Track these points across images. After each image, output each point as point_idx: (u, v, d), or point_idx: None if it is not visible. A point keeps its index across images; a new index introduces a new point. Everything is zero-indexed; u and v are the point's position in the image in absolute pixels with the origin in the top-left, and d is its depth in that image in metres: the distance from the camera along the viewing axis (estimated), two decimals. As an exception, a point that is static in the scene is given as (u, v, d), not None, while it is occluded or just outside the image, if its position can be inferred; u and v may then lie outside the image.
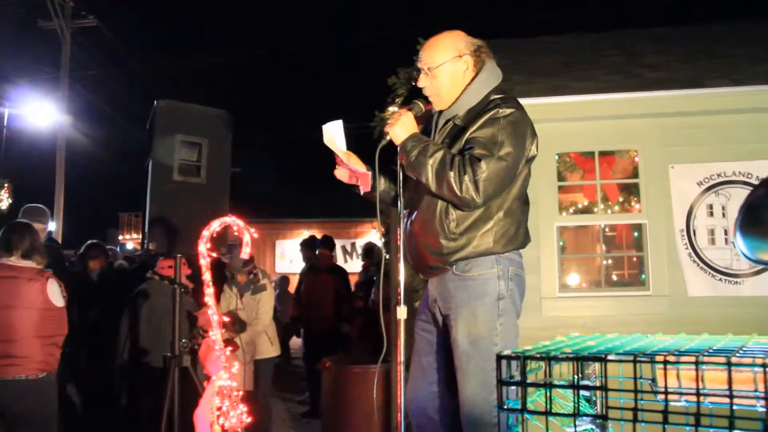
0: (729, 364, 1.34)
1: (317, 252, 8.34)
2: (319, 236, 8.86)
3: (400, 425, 2.77)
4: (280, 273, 17.54)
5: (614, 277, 6.33)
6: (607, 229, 6.14)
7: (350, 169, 3.10)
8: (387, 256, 5.09)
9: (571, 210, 5.90)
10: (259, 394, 5.96)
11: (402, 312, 2.78)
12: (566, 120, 5.48)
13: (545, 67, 6.19)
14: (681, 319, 5.02)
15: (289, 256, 20.74)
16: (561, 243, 5.57)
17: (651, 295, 5.33)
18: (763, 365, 1.33)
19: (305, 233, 17.00)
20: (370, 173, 3.06)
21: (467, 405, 2.73)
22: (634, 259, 5.87)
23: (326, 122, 3.03)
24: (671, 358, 1.41)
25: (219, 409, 3.26)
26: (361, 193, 3.16)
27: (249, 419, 3.36)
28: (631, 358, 1.41)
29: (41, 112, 16.29)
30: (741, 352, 1.50)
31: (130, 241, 23.48)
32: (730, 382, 1.34)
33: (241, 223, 3.42)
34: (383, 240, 4.20)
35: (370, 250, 8.93)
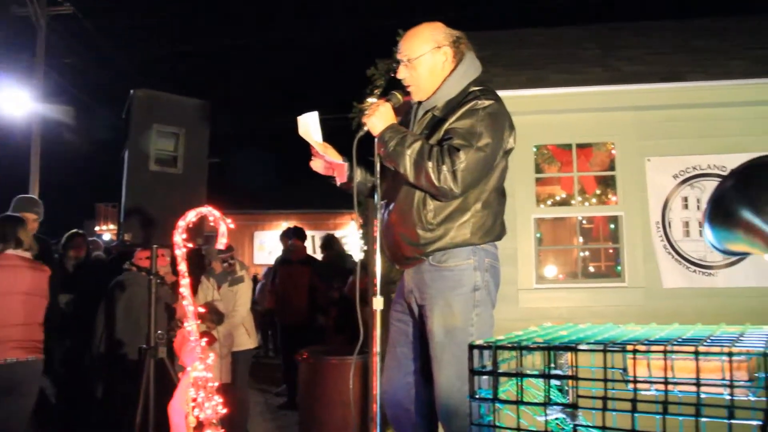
0: (696, 353, 1.36)
1: (289, 243, 8.31)
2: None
3: (375, 416, 2.77)
4: (259, 264, 17.49)
5: (591, 269, 6.39)
6: (584, 221, 6.19)
7: (326, 160, 3.09)
8: (365, 248, 5.09)
9: (549, 202, 5.94)
10: (236, 386, 5.94)
11: (378, 303, 2.78)
12: (544, 112, 5.51)
13: (524, 59, 6.21)
14: (656, 310, 5.08)
15: (268, 248, 20.70)
16: (538, 235, 5.61)
17: (627, 287, 5.38)
18: (729, 354, 1.35)
19: (284, 225, 16.95)
20: (346, 164, 3.06)
21: (442, 395, 2.75)
22: (610, 250, 5.93)
23: (303, 113, 3.02)
24: (641, 348, 1.43)
25: (194, 400, 3.25)
26: (338, 184, 3.16)
27: (224, 410, 3.35)
28: (601, 347, 1.42)
29: (15, 101, 16.05)
30: (708, 341, 1.53)
31: (107, 232, 23.25)
32: (697, 370, 1.36)
33: (217, 213, 3.40)
34: (361, 231, 4.19)
35: (328, 242, 8.92)
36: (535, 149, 5.62)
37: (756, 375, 1.54)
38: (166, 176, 4.01)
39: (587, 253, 6.25)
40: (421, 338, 2.95)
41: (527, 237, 5.46)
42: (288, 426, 6.93)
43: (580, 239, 6.03)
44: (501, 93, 3.01)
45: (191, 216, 3.40)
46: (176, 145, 4.06)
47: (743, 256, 1.55)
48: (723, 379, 1.37)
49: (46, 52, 16.26)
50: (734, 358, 1.42)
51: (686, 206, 5.46)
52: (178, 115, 4.10)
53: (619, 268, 5.54)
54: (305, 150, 3.12)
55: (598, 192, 5.84)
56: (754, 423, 1.32)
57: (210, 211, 3.41)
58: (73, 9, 16.06)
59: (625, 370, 1.63)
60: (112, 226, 23.19)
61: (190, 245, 3.44)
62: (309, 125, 3.00)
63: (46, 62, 16.31)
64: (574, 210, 5.76)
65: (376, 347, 2.79)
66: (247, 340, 6.14)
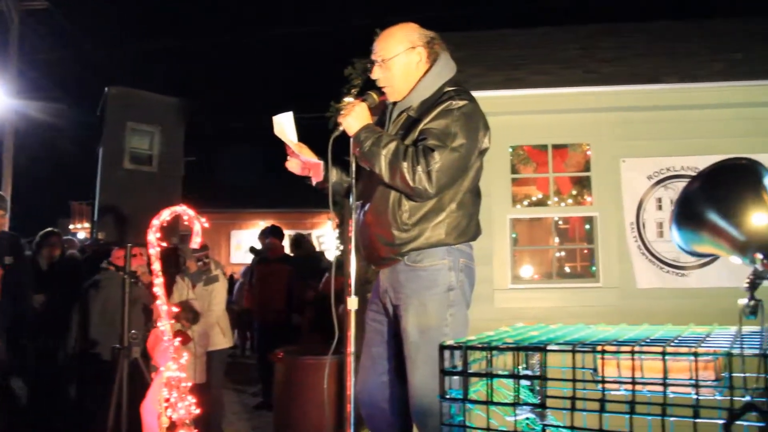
0: (663, 353, 1.38)
1: (267, 242, 8.28)
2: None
3: (349, 416, 2.77)
4: (236, 263, 17.39)
5: (567, 269, 6.44)
6: (560, 222, 6.24)
7: (302, 160, 3.08)
8: (341, 247, 5.09)
9: (525, 202, 5.97)
10: (211, 386, 5.90)
11: (353, 303, 2.79)
12: (521, 113, 5.54)
13: (502, 60, 6.24)
14: (630, 310, 5.13)
15: (244, 247, 20.56)
16: (514, 235, 5.64)
17: (601, 287, 5.43)
18: (695, 354, 1.36)
19: (261, 224, 16.87)
20: (321, 164, 3.05)
21: (416, 394, 2.75)
22: (585, 251, 5.98)
23: (279, 113, 3.01)
24: (609, 348, 1.44)
25: (167, 400, 3.23)
26: (314, 184, 3.15)
27: (198, 411, 3.33)
28: (570, 348, 1.43)
29: (-13, 97, 15.82)
30: (676, 341, 1.54)
31: (82, 230, 22.97)
32: (664, 371, 1.37)
33: (191, 212, 3.37)
34: (337, 230, 4.20)
35: (298, 242, 8.90)
36: (511, 150, 5.65)
37: (723, 375, 1.56)
38: (141, 174, 3.97)
39: (563, 253, 6.30)
40: (396, 338, 2.96)
41: (503, 237, 5.49)
42: (263, 426, 6.90)
43: (556, 239, 6.07)
44: (478, 93, 3.02)
45: (165, 215, 3.37)
46: (151, 143, 4.03)
47: (709, 257, 1.57)
48: (690, 379, 1.39)
49: (19, 47, 16.04)
50: (701, 358, 1.44)
51: (660, 207, 5.52)
52: (154, 113, 4.07)
53: (594, 268, 5.59)
54: (282, 149, 3.11)
55: (573, 192, 5.89)
56: (720, 422, 1.34)
57: (184, 210, 3.39)
58: (48, 3, 15.86)
59: (595, 370, 1.64)
60: (87, 224, 22.90)
61: (165, 244, 3.41)
62: (284, 125, 2.99)
63: (19, 57, 16.09)
64: (550, 210, 5.81)
65: (351, 347, 2.79)
66: (222, 339, 6.11)
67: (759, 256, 1.39)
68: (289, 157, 3.12)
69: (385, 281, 2.99)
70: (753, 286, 1.38)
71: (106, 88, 3.94)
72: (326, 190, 3.04)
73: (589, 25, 7.52)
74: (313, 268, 8.35)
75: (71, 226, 23.10)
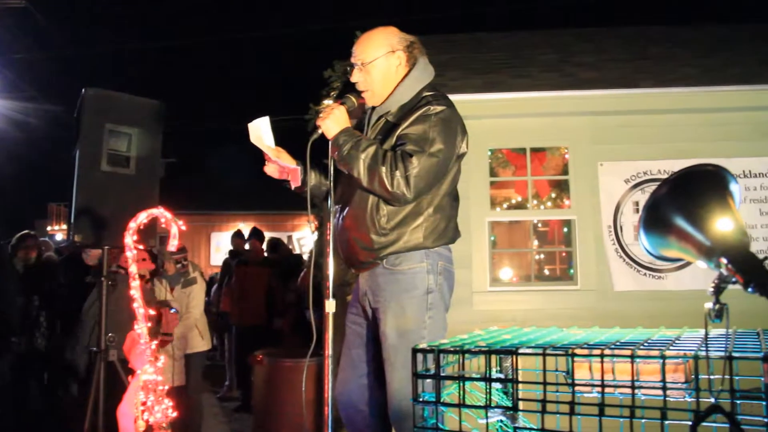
0: (632, 356, 1.40)
1: (246, 245, 8.26)
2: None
3: (327, 419, 2.78)
4: (216, 265, 17.30)
5: (546, 272, 6.48)
6: (539, 225, 6.28)
7: (279, 165, 3.08)
8: (311, 249, 5.08)
9: (504, 205, 6.01)
10: (190, 389, 5.88)
11: (330, 306, 2.79)
12: (499, 116, 5.58)
13: (481, 63, 6.27)
14: (608, 313, 5.18)
15: (224, 249, 20.45)
16: (492, 238, 5.67)
17: (579, 290, 5.48)
18: (663, 357, 1.39)
19: (241, 225, 16.80)
20: (299, 168, 3.05)
21: (394, 397, 2.76)
22: (564, 254, 6.02)
23: (257, 116, 3.00)
24: (580, 351, 1.46)
25: (143, 404, 3.21)
26: (292, 188, 3.15)
27: (174, 414, 3.32)
28: (540, 351, 1.45)
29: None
30: (645, 344, 1.57)
31: (59, 232, 22.74)
32: (632, 373, 1.39)
33: (168, 215, 3.36)
34: (315, 233, 4.20)
35: (275, 245, 8.89)
36: (489, 153, 5.68)
37: (693, 377, 1.59)
38: (118, 176, 3.96)
39: (541, 256, 6.34)
40: (375, 340, 2.96)
41: (481, 240, 5.52)
42: (242, 429, 6.87)
43: (535, 242, 6.11)
44: (457, 96, 3.04)
45: (142, 217, 3.36)
46: (129, 145, 4.01)
47: (677, 261, 1.60)
48: (660, 381, 1.41)
49: (-4, 47, 15.85)
50: (670, 360, 1.46)
51: (637, 210, 5.57)
52: (131, 114, 4.05)
53: (572, 271, 5.64)
54: (261, 152, 3.10)
55: (552, 195, 5.93)
56: (689, 423, 1.36)
57: (161, 213, 3.37)
58: (25, 2, 15.69)
59: (568, 372, 1.66)
60: (64, 226, 22.69)
61: (141, 247, 3.40)
62: (261, 130, 2.98)
63: (-4, 57, 15.90)
64: (528, 213, 5.85)
65: (328, 350, 2.79)
66: (200, 342, 6.08)
67: (723, 260, 1.42)
68: (267, 162, 3.12)
69: (364, 284, 3.00)
70: (718, 290, 1.40)
71: (83, 90, 3.91)
72: (305, 194, 3.04)
73: (566, 30, 7.58)
74: (291, 270, 8.33)
75: (48, 228, 22.88)
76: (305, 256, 9.81)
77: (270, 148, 3.01)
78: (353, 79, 3.02)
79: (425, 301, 2.85)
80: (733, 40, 6.64)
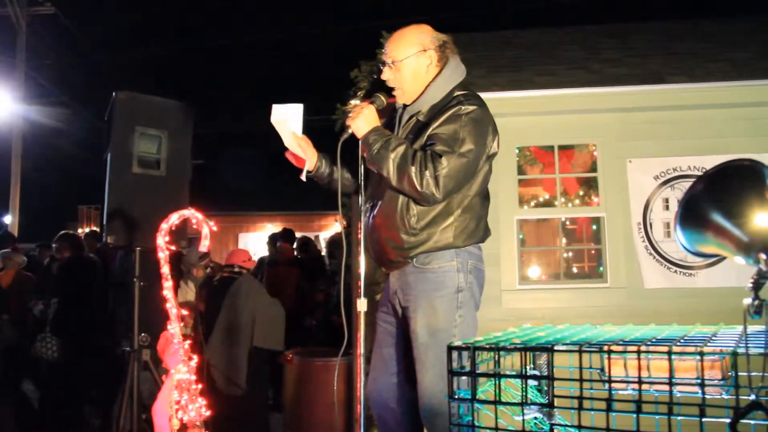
0: (669, 353, 1.39)
1: (277, 245, 8.31)
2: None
3: (359, 417, 2.80)
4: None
5: (575, 270, 6.44)
6: (567, 222, 6.24)
7: (293, 153, 3.11)
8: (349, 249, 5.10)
9: (531, 203, 5.98)
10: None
11: (362, 304, 2.81)
12: (526, 114, 5.55)
13: (506, 61, 6.25)
14: (638, 311, 5.13)
15: (252, 250, 20.59)
16: (521, 236, 5.65)
17: (609, 287, 5.43)
18: (701, 353, 1.38)
19: (269, 226, 16.90)
20: (312, 159, 3.08)
21: (425, 395, 2.77)
22: (593, 251, 5.98)
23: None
24: (616, 348, 1.46)
25: (177, 402, 3.25)
26: (304, 178, 3.16)
27: (208, 413, 3.36)
28: (576, 348, 1.45)
29: (-4, 102, 15.91)
30: (682, 341, 1.56)
31: (91, 235, 22.97)
32: (670, 370, 1.39)
33: (200, 215, 3.40)
34: (345, 232, 4.22)
35: (305, 245, 8.93)
36: (517, 151, 5.66)
37: (729, 374, 1.57)
38: (149, 178, 4.01)
39: (570, 254, 6.30)
40: (405, 339, 2.97)
41: (510, 238, 5.50)
42: (273, 427, 6.91)
43: (563, 240, 6.07)
44: (483, 95, 3.03)
45: (174, 218, 3.40)
46: (159, 147, 4.06)
47: (714, 257, 1.58)
48: (696, 378, 1.40)
49: (27, 52, 16.13)
50: (707, 357, 1.45)
51: (667, 207, 5.52)
52: (161, 117, 4.11)
53: (601, 268, 5.59)
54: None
55: (580, 193, 5.89)
56: (727, 421, 1.35)
57: (193, 214, 3.41)
58: (55, 9, 15.94)
59: (602, 370, 1.66)
60: (95, 229, 22.96)
61: (173, 248, 3.44)
62: (290, 115, 2.98)
63: (26, 63, 16.17)
64: (557, 211, 5.81)
65: (360, 348, 2.81)
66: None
67: (763, 256, 1.40)
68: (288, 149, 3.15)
69: (394, 283, 3.01)
70: (757, 286, 1.39)
71: (113, 93, 3.97)
72: (319, 181, 3.09)
73: (590, 27, 7.52)
74: (321, 270, 8.37)
75: (79, 231, 23.17)
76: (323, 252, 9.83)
77: (295, 136, 3.02)
78: (384, 76, 3.03)
79: (456, 300, 2.85)
80: (760, 33, 6.53)
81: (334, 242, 8.94)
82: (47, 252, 7.67)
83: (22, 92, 16.12)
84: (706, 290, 5.30)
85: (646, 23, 7.50)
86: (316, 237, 13.12)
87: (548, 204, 5.88)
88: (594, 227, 5.83)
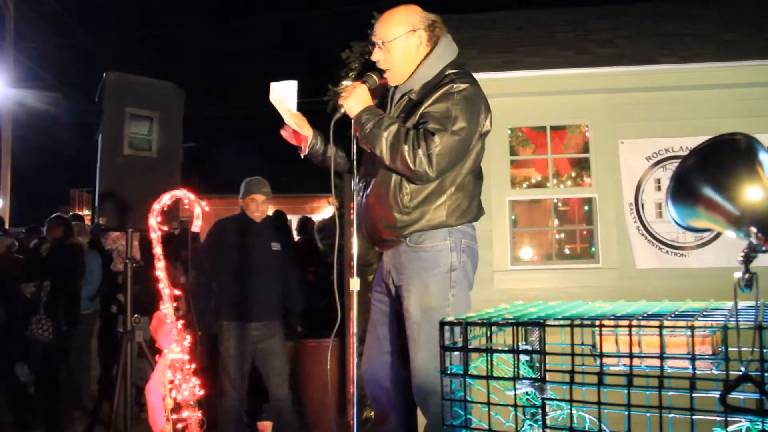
0: (660, 327, 1.40)
1: None
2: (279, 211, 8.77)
3: (352, 396, 2.81)
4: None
5: (567, 251, 6.45)
6: (559, 204, 6.25)
7: (293, 130, 3.11)
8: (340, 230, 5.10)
9: (524, 184, 5.98)
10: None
11: (355, 284, 2.81)
12: (518, 95, 5.54)
13: (498, 42, 6.23)
14: (629, 291, 5.13)
15: (245, 232, 20.54)
16: (513, 217, 5.65)
17: (600, 268, 5.45)
18: (691, 328, 1.39)
19: (261, 209, 16.74)
20: (308, 137, 3.08)
21: (418, 374, 2.79)
22: (585, 232, 6.00)
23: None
24: (607, 323, 1.47)
25: (171, 382, 3.26)
26: (302, 155, 3.17)
27: (201, 392, 3.37)
28: (568, 323, 1.46)
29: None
30: (672, 316, 1.57)
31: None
32: (661, 345, 1.40)
33: (191, 196, 3.39)
34: (337, 213, 4.23)
35: (304, 225, 8.91)
36: (509, 132, 5.65)
37: (720, 349, 1.59)
38: (140, 160, 3.99)
39: (562, 234, 6.32)
40: (399, 319, 2.98)
41: (502, 219, 5.51)
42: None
43: (555, 221, 6.09)
44: (475, 75, 3.02)
45: (166, 199, 3.39)
46: (150, 129, 4.03)
47: (705, 232, 1.59)
48: (687, 353, 1.41)
49: (15, 36, 15.97)
50: (698, 332, 1.46)
51: (659, 188, 5.53)
52: (152, 98, 4.07)
53: (593, 249, 5.61)
54: (281, 123, 3.13)
55: (572, 174, 5.90)
56: (717, 394, 1.36)
57: (185, 194, 3.40)
58: (43, -9, 15.76)
59: (594, 345, 1.67)
60: (87, 212, 22.88)
61: (165, 228, 3.44)
62: (285, 93, 2.99)
63: (15, 46, 16.02)
64: (549, 192, 5.82)
65: (353, 328, 2.82)
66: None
67: (753, 229, 1.41)
68: (285, 127, 3.14)
69: (388, 262, 3.01)
70: (747, 259, 1.40)
71: (104, 74, 3.94)
72: (317, 161, 3.09)
73: (580, 7, 7.48)
74: (314, 252, 8.35)
75: (71, 213, 23.04)
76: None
77: (291, 113, 3.02)
78: (373, 58, 3.02)
79: (448, 279, 2.86)
80: (751, 13, 6.52)
81: (323, 227, 8.92)
82: (35, 236, 7.61)
83: (11, 76, 15.98)
84: (698, 270, 5.33)
85: (638, 4, 7.48)
86: (310, 218, 13.07)
87: (540, 185, 5.88)
88: (586, 208, 5.85)
